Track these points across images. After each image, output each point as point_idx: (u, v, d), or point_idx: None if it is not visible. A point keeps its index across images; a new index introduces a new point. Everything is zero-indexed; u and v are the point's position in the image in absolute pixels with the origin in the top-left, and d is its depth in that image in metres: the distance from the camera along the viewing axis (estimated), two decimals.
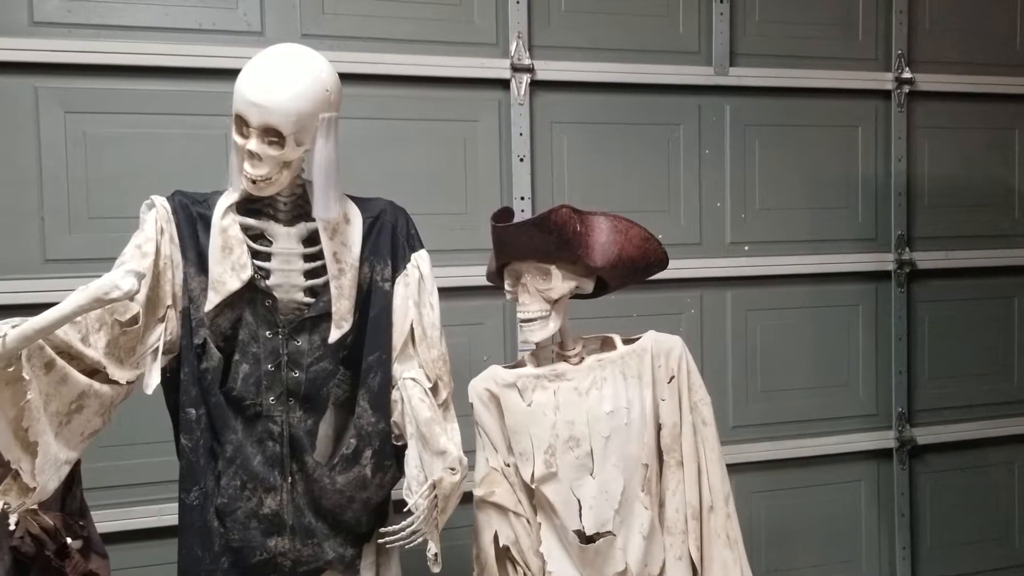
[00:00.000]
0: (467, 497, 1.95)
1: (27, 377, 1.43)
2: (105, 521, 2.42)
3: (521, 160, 2.97)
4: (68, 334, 1.54)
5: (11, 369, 1.41)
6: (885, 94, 3.36)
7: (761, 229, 3.25)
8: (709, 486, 2.04)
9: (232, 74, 2.51)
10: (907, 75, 3.34)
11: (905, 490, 3.44)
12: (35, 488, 1.50)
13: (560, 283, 1.95)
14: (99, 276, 1.49)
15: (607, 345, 2.10)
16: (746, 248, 3.23)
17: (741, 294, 3.24)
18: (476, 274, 2.76)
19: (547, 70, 2.98)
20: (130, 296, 1.41)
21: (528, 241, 1.91)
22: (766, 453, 3.26)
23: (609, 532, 1.95)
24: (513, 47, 2.93)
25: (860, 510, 3.43)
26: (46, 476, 1.50)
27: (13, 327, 1.39)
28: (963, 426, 3.50)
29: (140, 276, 1.45)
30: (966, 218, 3.48)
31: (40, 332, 1.39)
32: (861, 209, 3.37)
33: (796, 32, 3.26)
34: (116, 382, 1.67)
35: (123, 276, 1.39)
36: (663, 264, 2.05)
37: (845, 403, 3.38)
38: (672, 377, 2.04)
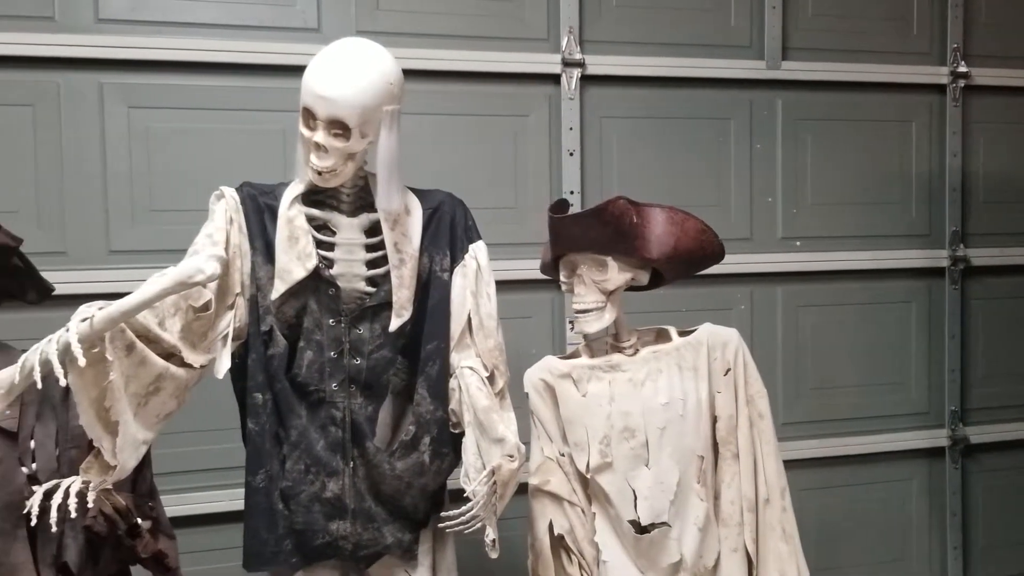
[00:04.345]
0: (521, 488, 1.96)
1: (110, 358, 1.47)
2: (171, 506, 2.47)
3: (571, 154, 2.98)
4: (147, 318, 1.59)
5: (95, 350, 1.46)
6: (940, 88, 3.33)
7: (813, 224, 3.23)
8: (765, 479, 2.04)
9: (289, 70, 2.59)
10: (963, 69, 3.30)
11: (957, 489, 3.40)
12: (115, 466, 1.54)
13: (616, 274, 1.96)
14: (161, 267, 1.54)
15: (662, 337, 2.11)
16: (797, 243, 3.22)
17: (792, 290, 3.23)
18: (525, 267, 2.79)
19: (598, 64, 2.99)
20: (213, 279, 1.45)
21: (585, 232, 1.92)
22: (816, 450, 3.24)
23: (664, 523, 1.95)
24: (564, 42, 2.95)
25: (911, 509, 3.40)
26: (125, 455, 1.55)
27: (99, 309, 1.44)
28: (1017, 425, 3.46)
29: (223, 260, 1.50)
30: (1022, 214, 3.43)
31: (125, 315, 1.43)
32: (915, 205, 3.33)
33: (849, 26, 3.23)
34: (190, 365, 1.71)
35: (206, 260, 1.43)
36: (719, 256, 2.05)
37: (897, 401, 3.35)
38: (728, 369, 2.04)
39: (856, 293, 3.29)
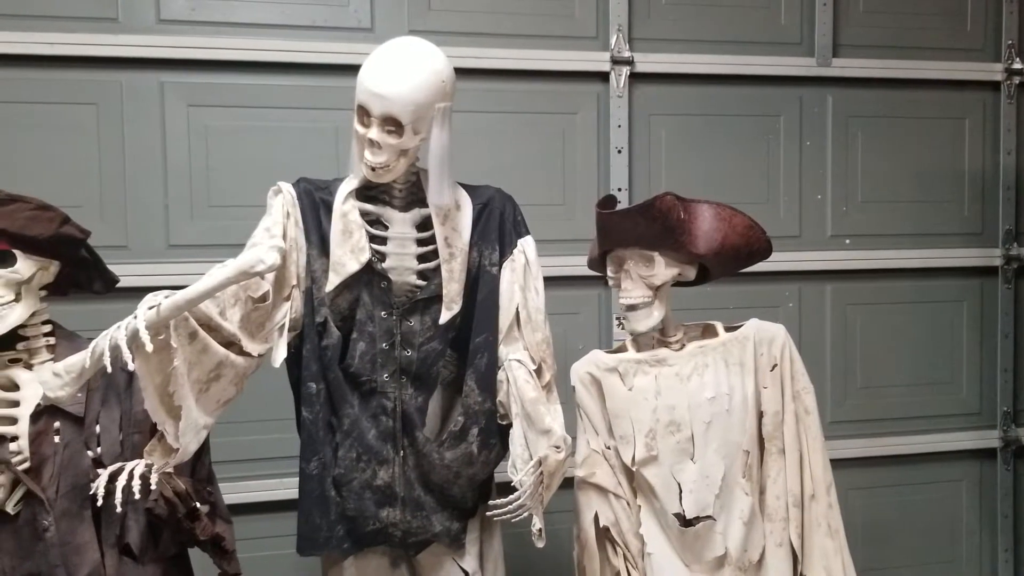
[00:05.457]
0: (567, 481, 1.98)
1: (174, 345, 1.54)
2: (228, 493, 2.52)
3: (619, 152, 3.00)
4: (208, 308, 1.65)
5: (161, 337, 1.52)
6: (994, 85, 3.28)
7: (863, 222, 3.21)
8: (811, 475, 2.03)
9: (343, 69, 2.65)
10: (1017, 66, 3.25)
11: (1009, 491, 3.35)
12: (177, 449, 1.61)
13: (663, 270, 1.98)
14: (219, 261, 1.60)
15: (709, 332, 2.12)
16: (847, 241, 3.19)
17: (841, 288, 3.21)
18: (572, 264, 2.81)
19: (647, 62, 3.00)
20: (273, 269, 1.51)
21: (632, 228, 1.94)
22: (865, 450, 3.22)
23: (709, 516, 1.96)
24: (613, 40, 2.96)
25: (961, 510, 3.36)
26: (187, 438, 1.61)
27: (166, 297, 1.50)
28: None
29: (282, 251, 1.55)
30: None
31: (189, 303, 1.49)
32: (967, 203, 3.29)
33: (902, 22, 3.20)
34: (249, 354, 1.77)
35: (267, 251, 1.49)
36: (766, 252, 2.05)
37: (948, 401, 3.31)
38: (775, 365, 2.04)
39: (907, 292, 3.26)
